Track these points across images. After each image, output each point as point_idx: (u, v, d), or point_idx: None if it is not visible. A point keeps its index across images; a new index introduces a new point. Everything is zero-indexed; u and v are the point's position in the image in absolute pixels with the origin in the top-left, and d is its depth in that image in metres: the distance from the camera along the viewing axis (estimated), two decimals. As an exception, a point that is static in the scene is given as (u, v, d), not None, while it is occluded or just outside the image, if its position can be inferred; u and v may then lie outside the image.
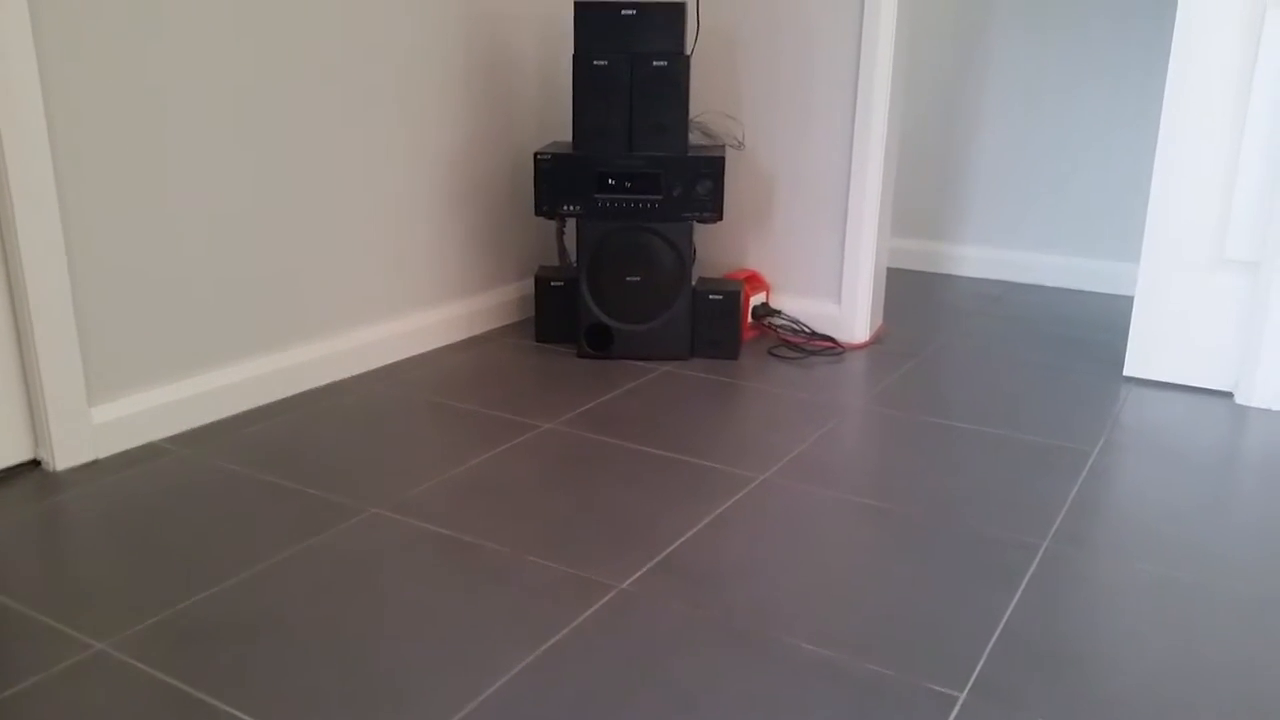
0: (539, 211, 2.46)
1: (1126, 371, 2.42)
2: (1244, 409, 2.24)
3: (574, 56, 2.38)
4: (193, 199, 1.98)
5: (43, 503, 1.70)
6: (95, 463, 1.86)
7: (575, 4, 2.36)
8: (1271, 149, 2.18)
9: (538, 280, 2.60)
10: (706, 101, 2.76)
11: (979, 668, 1.29)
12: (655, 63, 2.37)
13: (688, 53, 2.51)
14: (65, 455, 1.83)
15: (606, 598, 1.44)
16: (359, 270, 2.35)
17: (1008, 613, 1.42)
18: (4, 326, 1.77)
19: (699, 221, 2.44)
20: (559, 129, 2.90)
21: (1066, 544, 1.61)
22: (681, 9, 2.36)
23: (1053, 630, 1.38)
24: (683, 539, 1.61)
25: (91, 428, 1.86)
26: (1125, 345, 2.67)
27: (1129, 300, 3.16)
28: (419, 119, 2.44)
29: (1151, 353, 2.39)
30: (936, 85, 3.41)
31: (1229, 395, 2.32)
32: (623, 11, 2.36)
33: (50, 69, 1.72)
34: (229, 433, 2.01)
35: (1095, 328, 2.86)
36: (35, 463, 1.85)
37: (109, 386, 1.90)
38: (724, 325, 2.51)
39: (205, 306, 2.04)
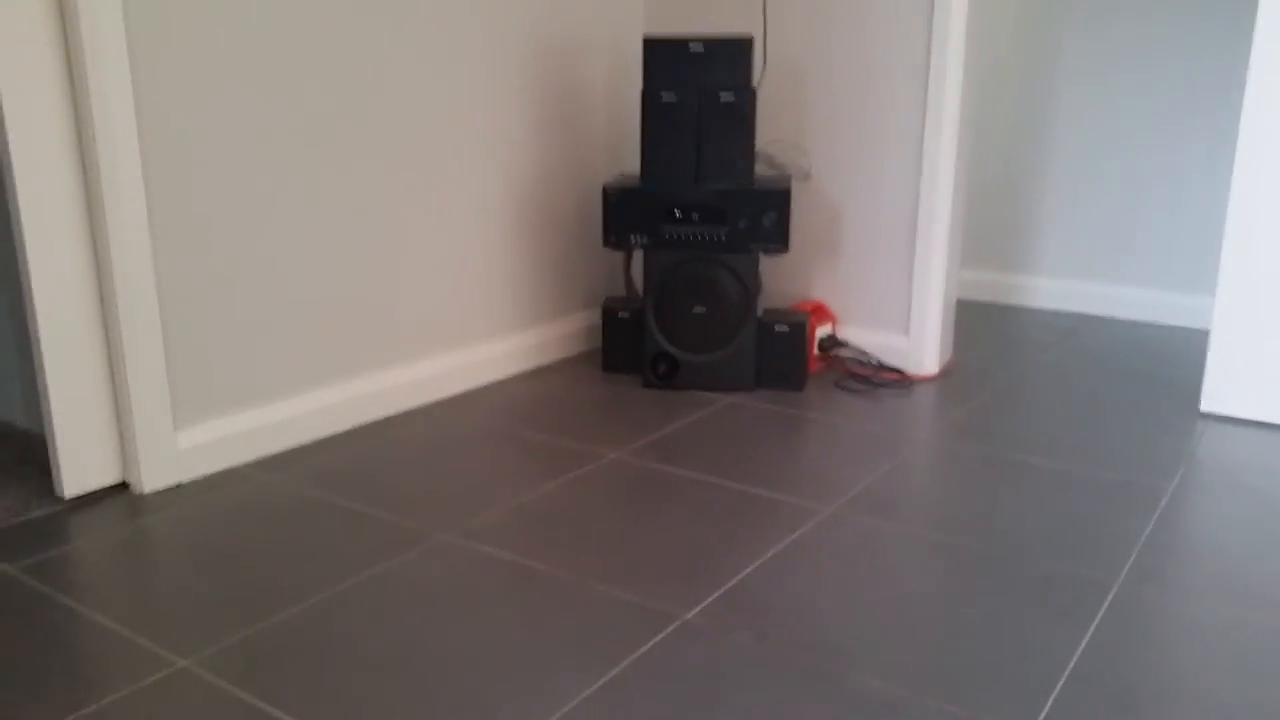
0: (607, 243, 2.50)
1: (1203, 407, 2.36)
2: (1328, 447, 2.18)
3: (643, 92, 2.42)
4: (277, 231, 2.05)
5: (131, 524, 1.77)
6: (179, 486, 1.93)
7: (644, 40, 2.41)
8: (1355, 180, 2.13)
9: (605, 311, 2.63)
10: (773, 132, 2.78)
11: (1048, 708, 1.27)
12: (723, 97, 2.40)
13: (755, 86, 2.53)
14: (151, 478, 1.90)
15: (671, 627, 1.45)
16: (434, 299, 2.41)
17: (1078, 652, 1.39)
18: (98, 354, 1.85)
19: (765, 253, 2.45)
20: (627, 159, 2.95)
21: (1140, 583, 1.58)
22: (749, 44, 2.39)
23: (1123, 671, 1.35)
24: (748, 570, 1.62)
25: (177, 452, 1.93)
26: (1201, 380, 2.61)
27: (1204, 334, 3.09)
28: (493, 151, 2.50)
29: (1228, 388, 2.33)
30: (1005, 114, 3.39)
31: (1312, 432, 2.26)
32: (690, 48, 2.39)
33: (145, 92, 1.81)
34: (306, 459, 2.07)
35: (1170, 362, 2.80)
36: (123, 485, 1.92)
37: (194, 413, 1.97)
38: (790, 357, 2.52)
39: (286, 335, 2.11)
